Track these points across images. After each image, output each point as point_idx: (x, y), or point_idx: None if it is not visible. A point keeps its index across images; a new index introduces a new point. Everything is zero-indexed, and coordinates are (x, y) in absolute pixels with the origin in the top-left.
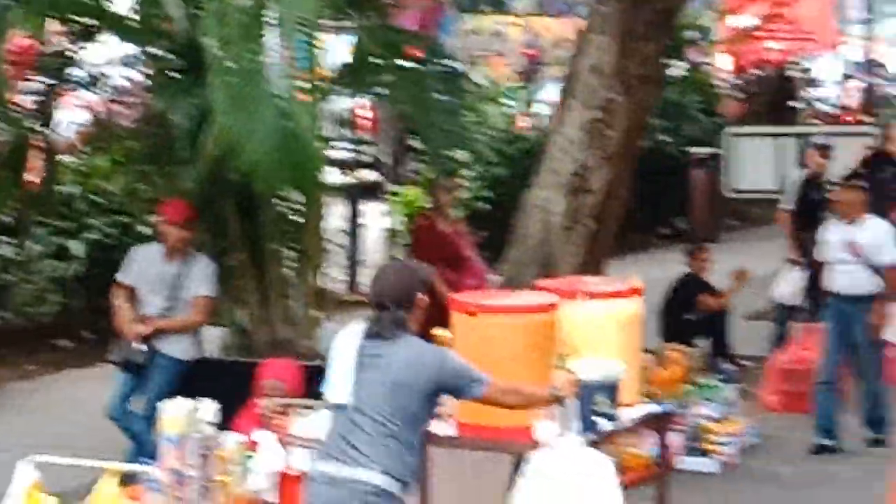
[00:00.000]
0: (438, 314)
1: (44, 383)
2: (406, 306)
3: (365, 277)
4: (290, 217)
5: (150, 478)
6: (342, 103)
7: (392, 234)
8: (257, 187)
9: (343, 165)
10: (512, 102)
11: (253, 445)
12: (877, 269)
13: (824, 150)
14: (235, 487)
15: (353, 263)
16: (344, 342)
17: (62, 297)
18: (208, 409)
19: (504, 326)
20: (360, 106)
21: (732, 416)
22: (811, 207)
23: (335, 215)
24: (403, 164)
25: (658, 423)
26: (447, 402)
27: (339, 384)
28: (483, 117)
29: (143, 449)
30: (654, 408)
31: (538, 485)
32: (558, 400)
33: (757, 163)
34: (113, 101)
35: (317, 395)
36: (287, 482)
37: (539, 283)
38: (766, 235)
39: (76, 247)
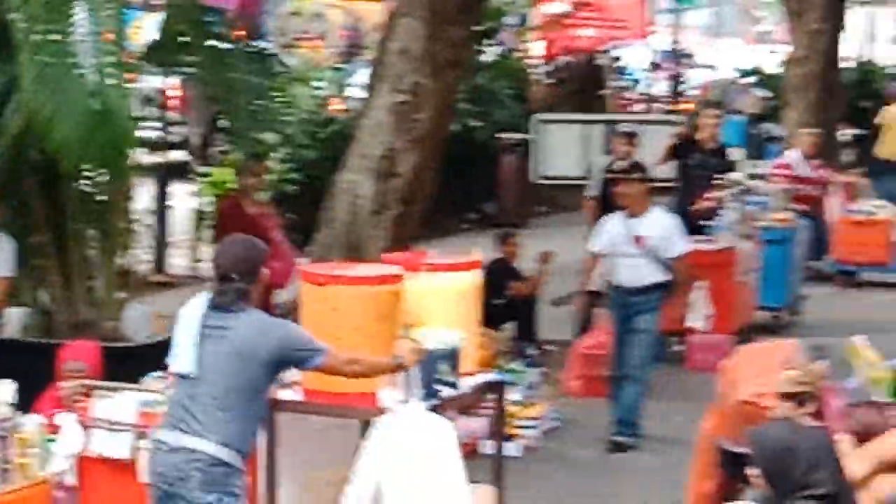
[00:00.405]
0: None
1: None
2: (249, 279)
3: (172, 259)
4: (96, 197)
5: None
6: (152, 82)
7: (200, 215)
8: (64, 166)
9: (152, 145)
10: (323, 85)
11: (53, 428)
12: (662, 262)
13: (630, 137)
14: (35, 470)
15: (161, 245)
16: (188, 313)
17: None
18: (7, 390)
19: (351, 297)
20: (170, 86)
21: (535, 400)
22: (614, 194)
23: (143, 196)
24: (213, 144)
25: (495, 390)
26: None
27: (182, 354)
28: (293, 100)
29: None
30: (491, 376)
31: (383, 449)
32: (401, 368)
33: (565, 149)
34: None
35: (120, 378)
36: (87, 465)
37: (385, 256)
38: (574, 222)
39: None
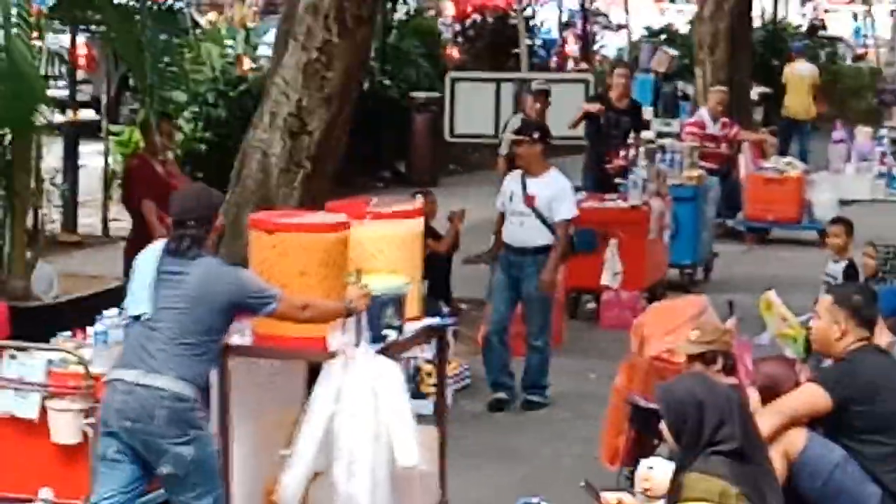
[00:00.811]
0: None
1: None
2: (205, 226)
3: (82, 218)
4: (3, 155)
5: None
6: (60, 40)
7: (110, 174)
8: None
9: (60, 104)
10: (233, 44)
11: None
12: (549, 224)
13: (541, 95)
14: None
15: (71, 204)
16: (144, 259)
17: None
18: None
19: (299, 243)
20: (78, 43)
21: (448, 359)
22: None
23: (52, 155)
24: (122, 103)
25: (435, 333)
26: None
27: (137, 298)
28: (203, 58)
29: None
30: (432, 321)
31: (334, 392)
32: (351, 312)
33: (477, 108)
34: None
35: (28, 338)
36: None
37: (330, 204)
38: (486, 181)
39: None
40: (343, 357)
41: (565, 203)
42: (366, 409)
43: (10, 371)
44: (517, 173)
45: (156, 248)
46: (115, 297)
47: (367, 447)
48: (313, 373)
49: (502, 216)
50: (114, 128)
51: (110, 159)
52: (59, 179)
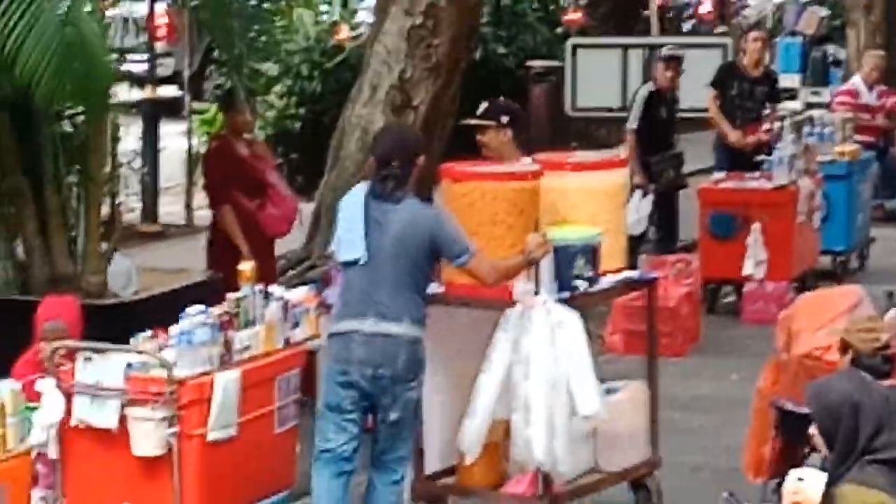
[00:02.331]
0: (227, 252)
1: None
2: (408, 167)
3: (164, 206)
4: (75, 137)
5: None
6: (136, 9)
7: (194, 157)
8: (36, 102)
9: (138, 80)
10: (328, 9)
11: (32, 394)
12: None
13: (673, 62)
14: (12, 441)
15: (151, 191)
16: (349, 202)
17: None
18: None
19: (487, 192)
20: (158, 13)
21: None
22: (658, 127)
23: (130, 136)
24: (207, 78)
25: (637, 287)
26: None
27: (348, 242)
28: (295, 25)
29: None
30: (633, 274)
31: (511, 340)
32: (532, 263)
33: (601, 78)
34: None
35: (105, 338)
36: (70, 436)
37: (535, 156)
38: None
39: None
40: (523, 305)
41: None
42: (542, 358)
43: (85, 375)
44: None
45: (359, 190)
46: (199, 292)
47: (544, 395)
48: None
49: None
50: (198, 105)
51: (194, 140)
52: (137, 164)
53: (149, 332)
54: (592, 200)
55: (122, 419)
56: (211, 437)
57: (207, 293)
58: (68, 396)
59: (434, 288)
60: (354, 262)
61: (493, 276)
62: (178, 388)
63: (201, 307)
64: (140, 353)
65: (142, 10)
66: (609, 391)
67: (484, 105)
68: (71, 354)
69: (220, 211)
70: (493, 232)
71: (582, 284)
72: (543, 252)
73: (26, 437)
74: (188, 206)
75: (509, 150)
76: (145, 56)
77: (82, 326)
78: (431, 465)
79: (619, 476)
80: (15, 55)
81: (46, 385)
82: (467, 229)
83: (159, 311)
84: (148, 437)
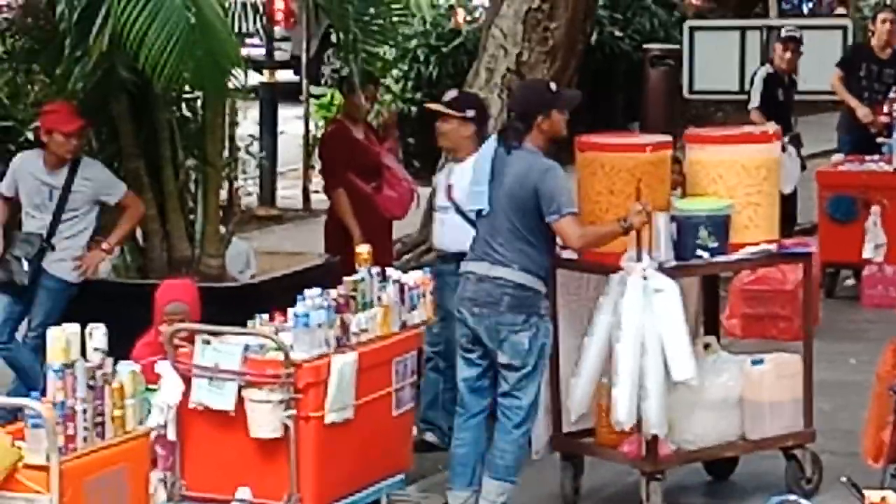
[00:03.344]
0: (344, 236)
1: None
2: (527, 119)
3: (282, 190)
4: (194, 121)
5: (32, 413)
6: None
7: (312, 141)
8: (156, 86)
9: (256, 64)
10: None
11: (151, 376)
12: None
13: (792, 44)
14: (131, 423)
15: (269, 174)
16: (481, 155)
17: None
18: (99, 335)
19: (607, 163)
20: None
21: None
22: (775, 108)
23: (248, 120)
24: (324, 62)
25: (777, 259)
26: None
27: (476, 194)
28: (412, 9)
29: (29, 381)
30: (770, 247)
31: (611, 305)
32: (627, 231)
33: (719, 60)
34: None
35: (223, 321)
36: (189, 418)
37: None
38: None
39: None
40: (625, 272)
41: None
42: (634, 322)
43: (203, 358)
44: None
45: (490, 144)
46: (316, 275)
47: (633, 358)
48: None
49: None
50: (315, 90)
51: (311, 125)
52: (255, 148)
53: (266, 315)
54: (732, 173)
55: (240, 401)
56: (328, 419)
57: (324, 276)
58: (187, 379)
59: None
60: (479, 213)
61: (581, 240)
62: (296, 371)
63: (318, 290)
64: (257, 335)
65: None
66: (755, 362)
67: (452, 93)
68: (189, 337)
69: (335, 194)
70: (612, 201)
71: (704, 254)
72: (640, 221)
73: (145, 419)
74: (305, 190)
75: (466, 145)
76: (263, 40)
77: (201, 309)
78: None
79: (759, 445)
80: (139, 41)
81: (165, 367)
82: (587, 198)
83: (276, 295)
84: (265, 419)
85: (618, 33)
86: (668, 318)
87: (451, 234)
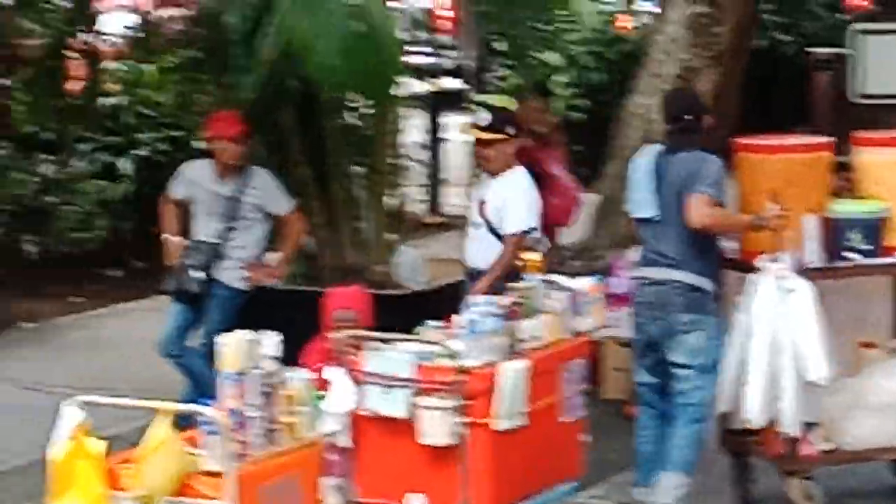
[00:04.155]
0: None
1: (92, 317)
2: (695, 122)
3: (447, 198)
4: (360, 129)
5: (207, 419)
6: (419, 2)
7: None
8: (324, 95)
9: (421, 72)
10: None
11: (322, 383)
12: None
13: None
14: (303, 430)
15: (434, 182)
16: (639, 163)
17: (109, 220)
18: (271, 342)
19: (763, 164)
20: (440, 5)
21: None
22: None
23: (414, 128)
24: (489, 70)
25: None
26: None
27: (639, 201)
28: (576, 16)
29: (201, 387)
30: None
31: (749, 301)
32: (756, 228)
33: (889, 64)
34: (162, 1)
35: (392, 328)
36: (360, 424)
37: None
38: None
39: (124, 164)
40: (760, 273)
41: (516, 210)
42: (765, 320)
43: (374, 365)
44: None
45: (647, 152)
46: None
47: (764, 356)
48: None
49: None
50: (480, 97)
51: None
52: (421, 156)
53: (436, 322)
54: (893, 176)
55: (411, 408)
56: (499, 426)
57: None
58: (357, 385)
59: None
60: (644, 220)
61: (706, 219)
62: (466, 378)
63: (488, 297)
64: (428, 342)
65: (426, 2)
66: None
67: (485, 117)
68: (360, 344)
69: None
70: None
71: (855, 256)
72: (773, 223)
73: (317, 426)
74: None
75: (511, 162)
76: (429, 48)
77: (371, 316)
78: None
79: None
80: (306, 49)
81: (336, 374)
82: (749, 199)
83: (445, 301)
84: (436, 426)
85: (782, 37)
86: (800, 319)
87: (482, 251)
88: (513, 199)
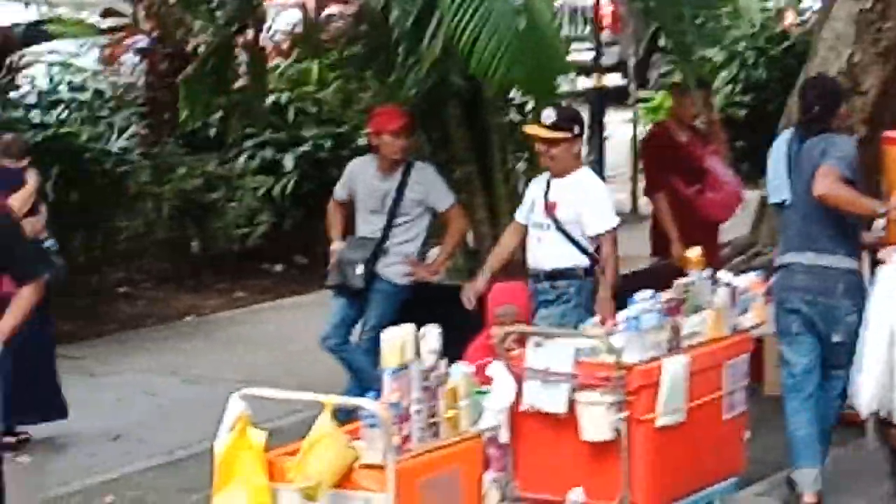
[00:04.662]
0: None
1: (254, 312)
2: (830, 110)
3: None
4: (523, 125)
5: (369, 413)
6: None
7: (640, 145)
8: (487, 91)
9: (584, 68)
10: None
11: (484, 378)
12: (573, 240)
13: None
14: (464, 424)
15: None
16: (775, 149)
17: (272, 216)
18: (433, 337)
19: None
20: (603, 2)
21: None
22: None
23: None
24: (652, 65)
25: None
26: None
27: (775, 186)
28: (741, 12)
29: (363, 382)
30: None
31: (875, 291)
32: (877, 216)
33: None
34: None
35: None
36: (521, 420)
37: None
38: None
39: (288, 161)
40: (888, 263)
41: (597, 211)
42: (881, 310)
43: (535, 360)
44: (542, 177)
45: (782, 138)
46: (646, 278)
47: (878, 346)
48: None
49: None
50: (642, 93)
51: (639, 129)
52: (583, 151)
53: (597, 318)
54: None
55: (571, 404)
56: (660, 422)
57: (654, 279)
58: (518, 381)
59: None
60: (782, 204)
61: (828, 189)
62: (627, 374)
63: (649, 293)
64: (589, 338)
65: None
66: None
67: (550, 113)
68: (521, 339)
69: (655, 198)
70: None
71: None
72: (893, 214)
73: (477, 421)
74: (633, 194)
75: (576, 163)
76: (591, 45)
77: (533, 312)
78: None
79: None
80: (470, 47)
81: (497, 369)
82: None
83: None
84: (597, 422)
85: None
86: None
87: (550, 252)
88: (596, 196)
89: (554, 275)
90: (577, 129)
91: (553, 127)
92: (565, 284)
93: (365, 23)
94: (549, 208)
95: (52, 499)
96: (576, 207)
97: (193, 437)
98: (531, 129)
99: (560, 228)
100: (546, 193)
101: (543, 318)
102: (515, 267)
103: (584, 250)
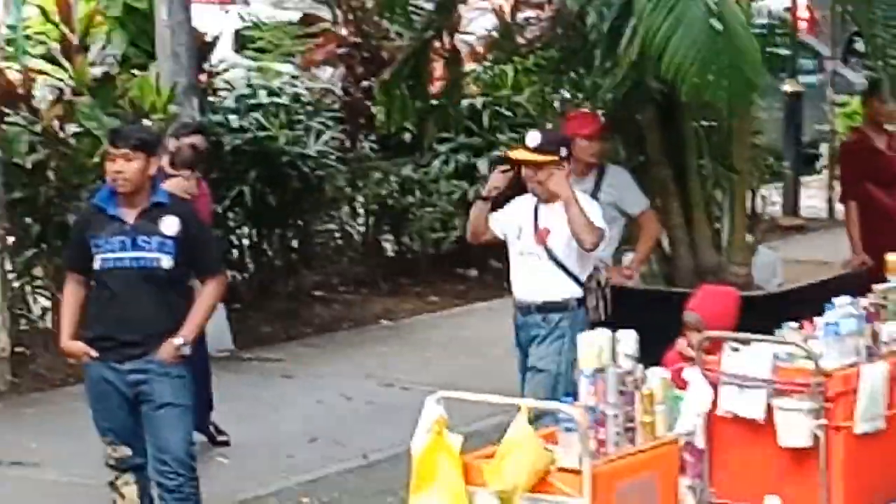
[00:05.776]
0: (874, 244)
1: (448, 316)
2: None
3: (805, 199)
4: (719, 129)
5: (565, 416)
6: (777, 1)
7: (835, 150)
8: (682, 94)
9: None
10: None
11: (680, 383)
12: (566, 269)
13: None
14: (661, 429)
15: (792, 184)
16: None
17: (466, 221)
18: (629, 341)
19: None
20: (799, 4)
21: None
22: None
23: (770, 130)
24: (851, 69)
25: None
26: None
27: None
28: None
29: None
30: None
31: None
32: None
33: None
34: (521, 2)
35: (750, 329)
36: (717, 425)
37: None
38: None
39: (482, 165)
40: None
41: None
42: None
43: (732, 366)
44: (527, 200)
45: None
46: (844, 283)
47: None
48: None
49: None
50: (839, 97)
51: (836, 133)
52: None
53: (795, 324)
54: None
55: (769, 410)
56: (858, 429)
57: (852, 285)
58: (715, 386)
59: None
60: None
61: None
62: (826, 380)
63: (848, 298)
64: (787, 344)
65: (783, 1)
66: None
67: (535, 136)
68: (718, 344)
69: (846, 205)
70: None
71: None
72: None
73: (673, 426)
74: (829, 200)
75: (566, 188)
76: (787, 48)
77: (735, 318)
78: None
79: None
80: (662, 49)
81: (694, 374)
82: None
83: (804, 304)
84: (795, 428)
85: None
86: None
87: (543, 285)
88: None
89: (546, 308)
90: (563, 153)
91: (538, 150)
92: (558, 318)
93: (560, 27)
94: (541, 236)
95: (250, 500)
96: (567, 234)
97: (389, 440)
98: (515, 154)
99: (552, 258)
100: (535, 220)
101: (540, 358)
102: (709, 271)
103: (576, 279)
